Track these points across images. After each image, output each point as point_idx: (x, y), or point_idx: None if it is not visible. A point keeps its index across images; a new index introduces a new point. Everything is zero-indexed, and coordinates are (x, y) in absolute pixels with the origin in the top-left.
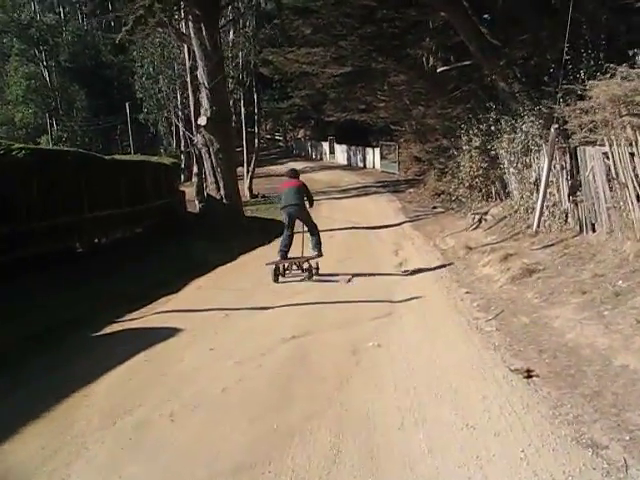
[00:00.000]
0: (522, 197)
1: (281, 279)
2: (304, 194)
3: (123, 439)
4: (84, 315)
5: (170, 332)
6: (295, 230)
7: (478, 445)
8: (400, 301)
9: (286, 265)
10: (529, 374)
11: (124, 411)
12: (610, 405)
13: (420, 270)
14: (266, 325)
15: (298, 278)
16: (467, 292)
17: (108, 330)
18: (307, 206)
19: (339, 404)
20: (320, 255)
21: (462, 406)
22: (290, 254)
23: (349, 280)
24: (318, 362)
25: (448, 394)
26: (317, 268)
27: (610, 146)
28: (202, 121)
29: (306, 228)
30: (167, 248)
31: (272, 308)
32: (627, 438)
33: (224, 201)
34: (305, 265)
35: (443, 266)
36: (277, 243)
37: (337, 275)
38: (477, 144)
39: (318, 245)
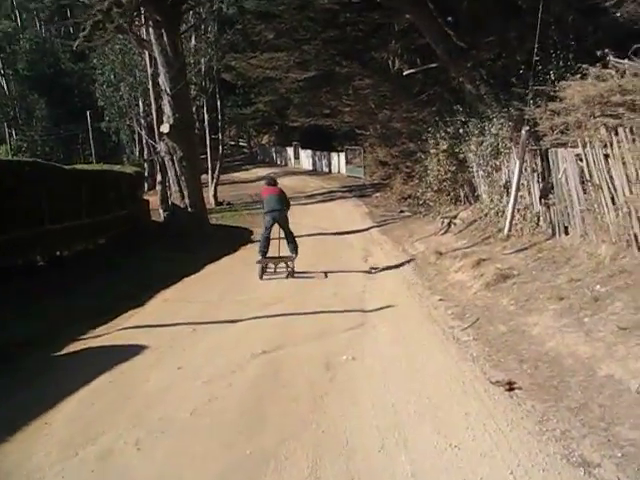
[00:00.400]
0: (492, 200)
1: (265, 276)
2: (284, 200)
3: (85, 471)
4: (44, 333)
5: (136, 350)
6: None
7: (464, 468)
8: (372, 310)
9: (270, 264)
10: (511, 387)
11: (86, 440)
12: (598, 418)
13: (391, 277)
14: (235, 339)
15: (281, 276)
16: (440, 299)
17: (70, 349)
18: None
19: (315, 425)
20: (296, 255)
21: (444, 424)
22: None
23: (325, 275)
24: (291, 379)
25: (428, 411)
26: (292, 268)
27: (584, 148)
28: (165, 129)
29: (282, 232)
30: (131, 259)
31: (241, 321)
32: (619, 455)
33: (189, 209)
34: (282, 264)
35: (414, 272)
36: (243, 252)
37: (312, 272)
38: (444, 147)
39: (295, 246)
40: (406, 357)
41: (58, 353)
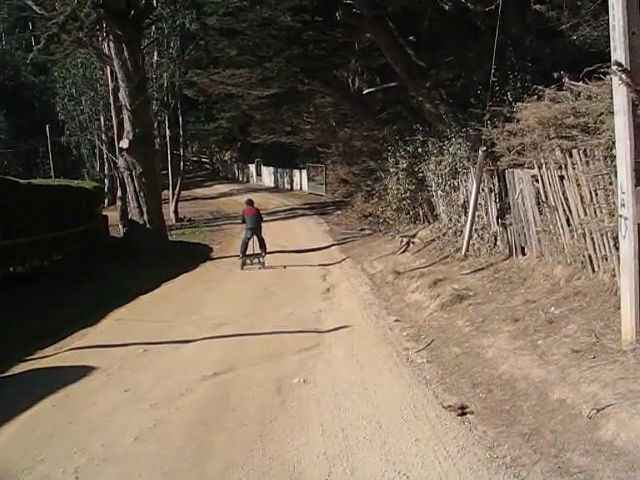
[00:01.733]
0: (450, 220)
1: (245, 268)
2: (260, 218)
3: None
4: None
5: (83, 371)
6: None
7: None
8: (328, 331)
9: (247, 260)
10: (463, 411)
11: (23, 468)
12: (549, 444)
13: (348, 296)
14: (186, 361)
15: (254, 267)
16: (396, 320)
17: (15, 370)
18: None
19: (262, 452)
20: (265, 253)
21: (394, 451)
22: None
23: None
24: (240, 403)
25: (379, 437)
26: (264, 262)
27: (539, 169)
28: (124, 144)
29: (257, 240)
30: (87, 276)
31: (194, 341)
32: None
33: (147, 226)
34: (256, 260)
35: (371, 292)
36: (201, 269)
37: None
38: (404, 166)
39: (264, 247)
40: (359, 380)
41: (2, 375)
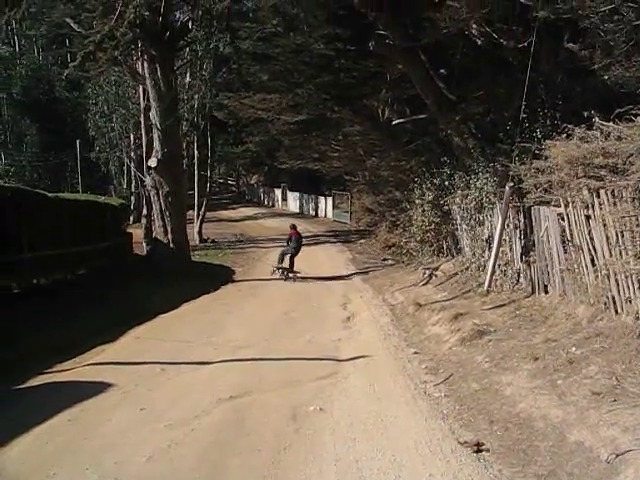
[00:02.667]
0: (474, 254)
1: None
2: (301, 240)
3: None
4: (9, 363)
5: (100, 387)
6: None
7: None
8: (346, 360)
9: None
10: (479, 448)
11: None
12: None
13: (368, 326)
14: (204, 382)
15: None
16: (415, 352)
17: (33, 382)
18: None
19: (274, 479)
20: (292, 271)
21: None
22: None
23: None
24: (255, 428)
25: (393, 470)
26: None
27: (566, 207)
28: (152, 163)
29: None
30: (109, 292)
31: (212, 363)
32: None
33: (171, 245)
34: (291, 274)
35: (392, 323)
36: (223, 291)
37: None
38: (430, 198)
39: (292, 265)
40: (375, 411)
41: (20, 386)
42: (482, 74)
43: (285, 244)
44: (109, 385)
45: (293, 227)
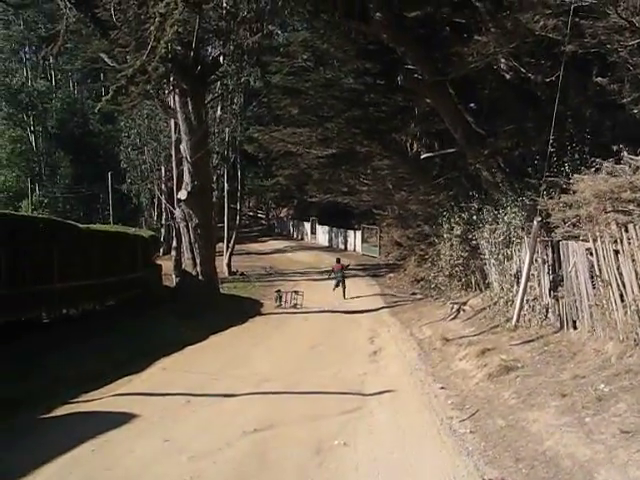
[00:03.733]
0: (502, 289)
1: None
2: (343, 270)
3: None
4: (37, 393)
5: (125, 418)
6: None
7: None
8: (372, 394)
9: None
10: None
11: None
12: None
13: (394, 360)
14: (228, 415)
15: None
16: (442, 387)
17: (58, 412)
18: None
19: None
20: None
21: None
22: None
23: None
24: (278, 461)
25: None
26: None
27: (594, 242)
28: (182, 195)
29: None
30: (137, 323)
31: (237, 396)
32: None
33: (200, 277)
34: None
35: (418, 357)
36: (250, 324)
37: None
38: (458, 232)
39: (344, 291)
40: (400, 447)
41: (45, 415)
42: (510, 108)
43: (331, 275)
44: (134, 416)
45: (337, 261)
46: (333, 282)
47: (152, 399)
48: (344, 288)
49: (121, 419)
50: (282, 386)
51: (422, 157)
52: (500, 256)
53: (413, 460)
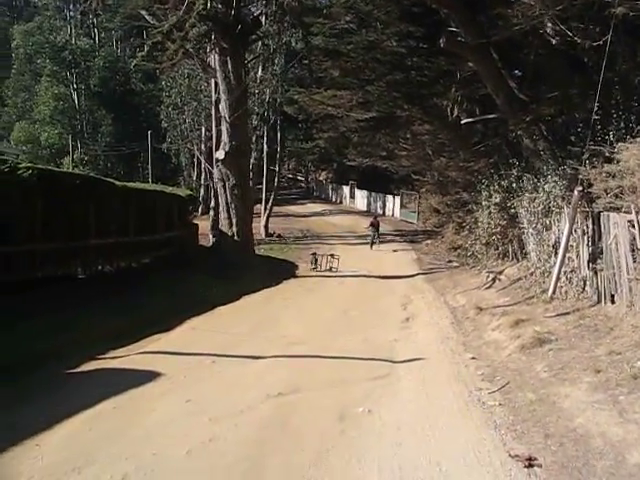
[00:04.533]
0: (539, 259)
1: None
2: (378, 227)
3: None
4: (66, 346)
5: (149, 376)
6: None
7: None
8: (401, 362)
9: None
10: (530, 463)
11: (72, 468)
12: None
13: (426, 328)
14: (253, 377)
15: None
16: (473, 358)
17: (85, 367)
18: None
19: None
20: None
21: None
22: None
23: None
24: (299, 427)
25: None
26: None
27: (637, 214)
28: (220, 155)
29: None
30: (171, 282)
31: (264, 358)
32: None
33: (235, 238)
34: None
35: (451, 326)
36: (285, 286)
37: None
38: (497, 201)
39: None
40: (425, 416)
41: (72, 370)
42: (555, 74)
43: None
44: (159, 374)
45: (375, 217)
46: (371, 236)
47: (178, 358)
48: (374, 242)
49: (145, 377)
50: (310, 349)
51: (462, 122)
52: (539, 226)
53: (437, 431)
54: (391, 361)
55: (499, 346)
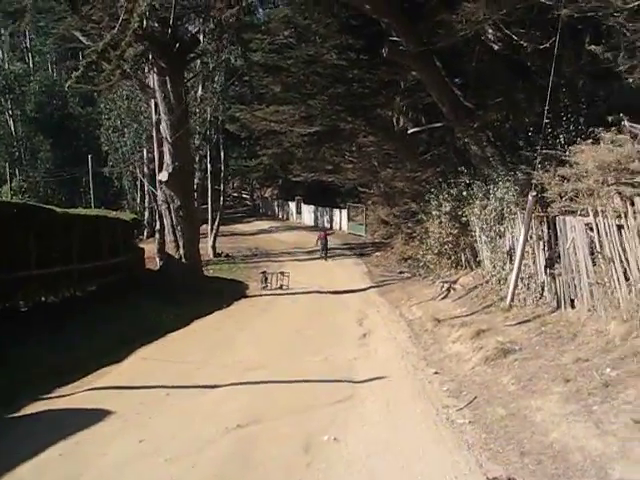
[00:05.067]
0: (494, 267)
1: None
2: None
3: None
4: (6, 388)
5: (99, 416)
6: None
7: None
8: (362, 381)
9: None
10: None
11: None
12: None
13: (385, 344)
14: (210, 409)
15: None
16: (436, 372)
17: (28, 410)
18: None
19: None
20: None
21: None
22: None
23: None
24: (263, 461)
25: None
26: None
27: (595, 217)
28: (163, 177)
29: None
30: (119, 310)
31: (220, 387)
32: None
33: (183, 260)
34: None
35: (409, 340)
36: (236, 307)
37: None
38: (447, 209)
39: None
40: (394, 441)
41: (13, 414)
42: (500, 80)
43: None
44: (108, 413)
45: (323, 230)
46: (320, 249)
47: (129, 393)
48: (326, 253)
49: (94, 417)
50: (268, 374)
51: (409, 132)
52: (492, 233)
53: (409, 456)
54: (353, 381)
55: (461, 359)
